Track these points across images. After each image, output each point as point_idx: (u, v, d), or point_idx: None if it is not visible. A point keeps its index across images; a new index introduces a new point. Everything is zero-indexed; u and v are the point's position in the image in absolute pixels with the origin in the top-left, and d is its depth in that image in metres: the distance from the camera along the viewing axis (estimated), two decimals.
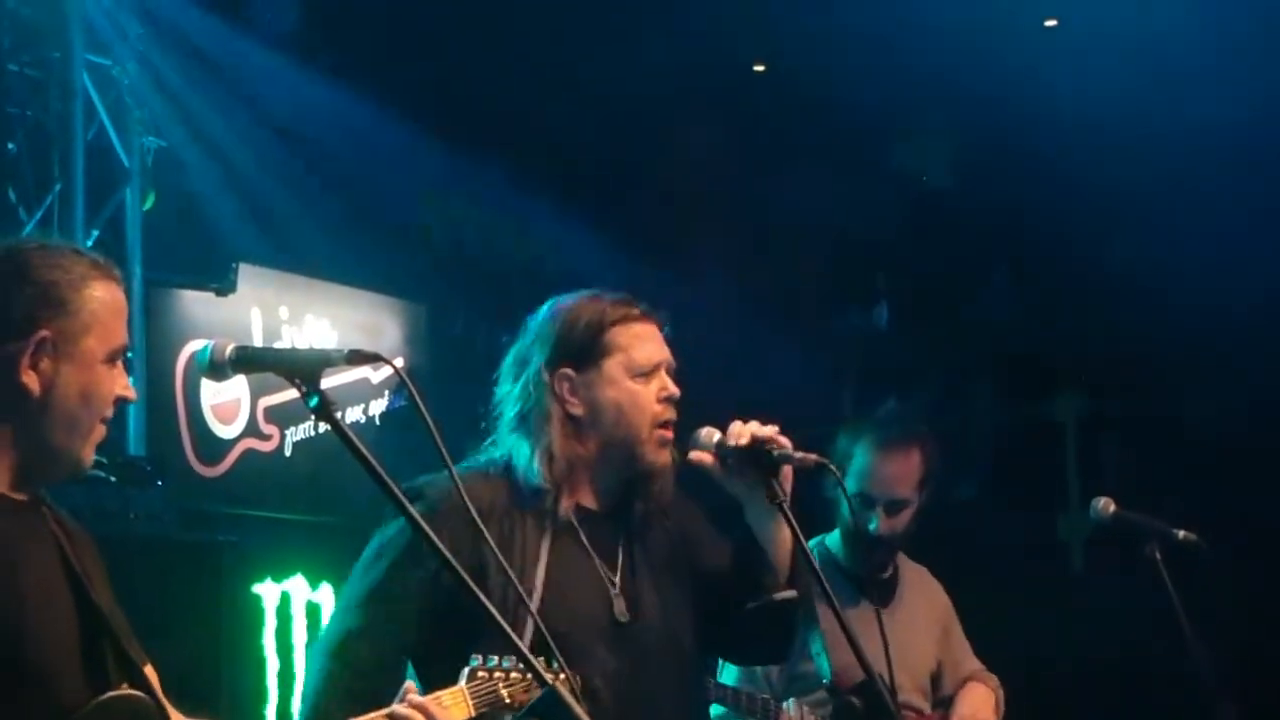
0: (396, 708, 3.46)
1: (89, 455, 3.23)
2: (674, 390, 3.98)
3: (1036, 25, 8.82)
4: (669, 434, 3.97)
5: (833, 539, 5.47)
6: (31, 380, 3.12)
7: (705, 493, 4.06)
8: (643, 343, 3.98)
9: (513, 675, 3.62)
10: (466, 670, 3.62)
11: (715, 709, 5.12)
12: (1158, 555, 4.79)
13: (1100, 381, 9.50)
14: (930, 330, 9.42)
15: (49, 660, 3.06)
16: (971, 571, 8.71)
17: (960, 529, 9.06)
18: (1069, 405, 9.70)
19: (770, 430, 3.87)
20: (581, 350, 3.96)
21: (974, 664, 5.67)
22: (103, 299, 3.21)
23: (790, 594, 4.00)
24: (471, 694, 3.59)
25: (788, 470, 3.89)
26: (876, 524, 5.34)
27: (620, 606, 3.95)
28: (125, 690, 3.16)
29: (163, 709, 3.21)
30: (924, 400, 9.13)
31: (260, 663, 7.42)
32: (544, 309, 4.05)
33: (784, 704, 5.20)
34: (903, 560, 5.58)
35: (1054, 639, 8.52)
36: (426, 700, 3.49)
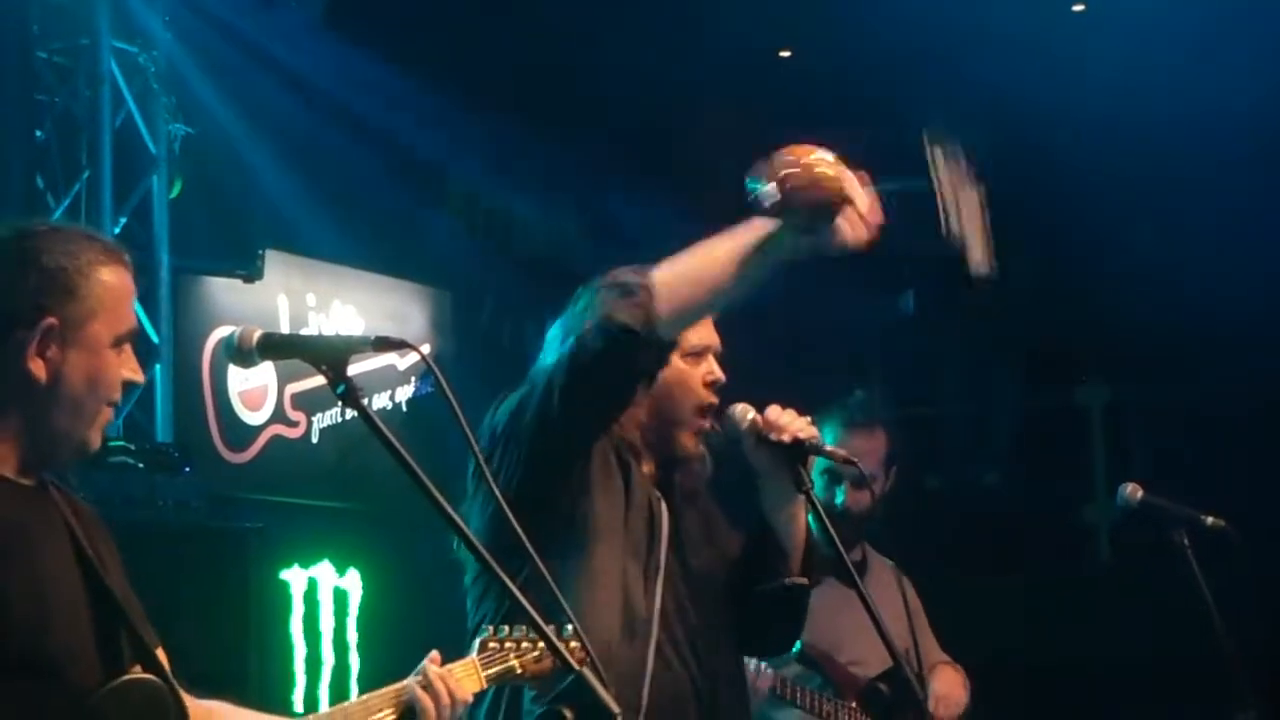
0: (411, 683, 3.48)
1: (95, 439, 3.23)
2: (719, 375, 4.01)
3: (1064, 10, 8.79)
4: (706, 423, 3.98)
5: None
6: (38, 367, 3.11)
7: (724, 466, 4.07)
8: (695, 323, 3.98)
9: (524, 645, 3.62)
10: (477, 641, 3.63)
11: None
12: (1185, 542, 4.78)
13: (1125, 368, 9.47)
14: (956, 317, 9.39)
15: (62, 643, 3.07)
16: (997, 559, 8.73)
17: (986, 516, 9.05)
18: (1094, 392, 9.67)
19: (810, 429, 3.89)
20: None
21: (939, 654, 5.77)
22: (110, 283, 3.19)
23: (801, 580, 4.01)
24: (483, 665, 3.60)
25: (813, 458, 3.92)
26: (844, 498, 5.45)
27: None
28: (139, 673, 3.16)
29: (175, 691, 3.21)
30: (950, 386, 9.13)
31: (288, 649, 7.44)
32: (594, 280, 4.02)
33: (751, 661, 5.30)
34: (870, 550, 5.68)
35: (1080, 626, 8.50)
36: (441, 673, 3.50)
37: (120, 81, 7.54)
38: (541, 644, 3.54)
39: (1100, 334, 9.30)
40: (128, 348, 3.23)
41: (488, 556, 3.04)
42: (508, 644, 3.62)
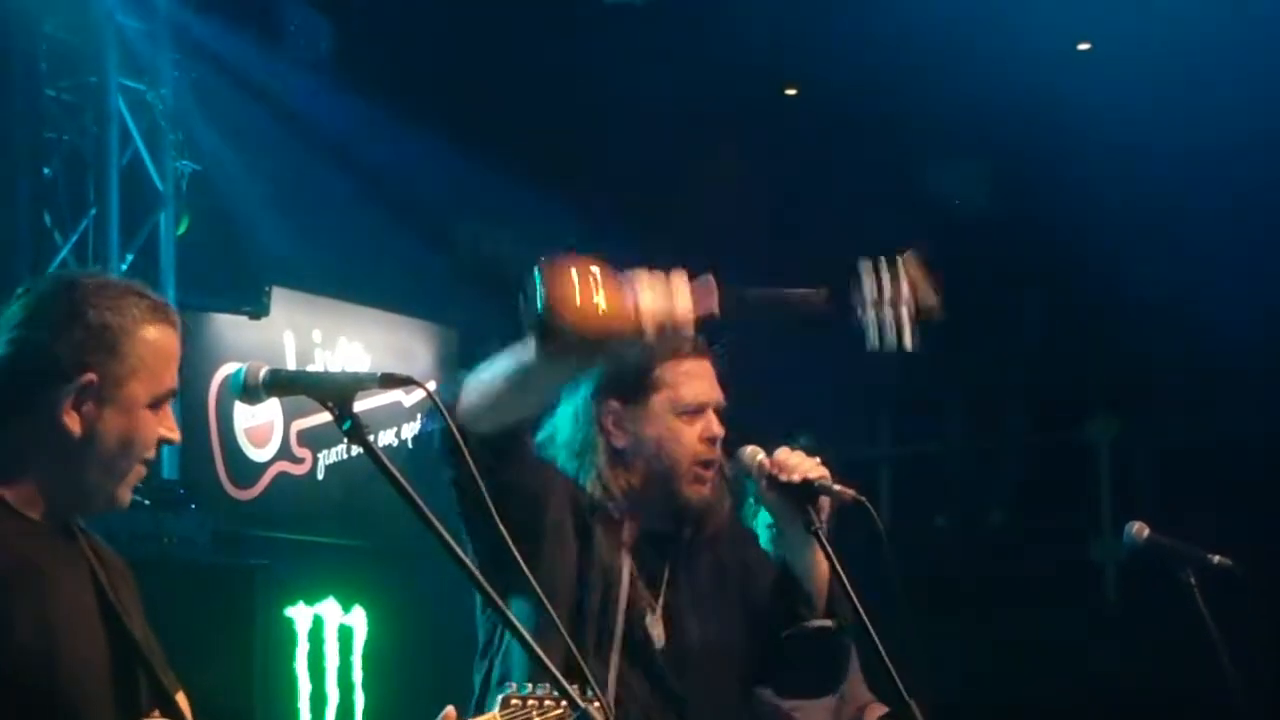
0: None
1: (126, 496, 3.21)
2: (717, 431, 3.97)
3: (1069, 49, 8.81)
4: (708, 473, 3.96)
5: None
6: (73, 422, 3.10)
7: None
8: (691, 380, 3.99)
9: (546, 703, 3.60)
10: (500, 698, 3.61)
11: None
12: (1193, 580, 4.76)
13: (1133, 406, 9.46)
14: (964, 354, 9.39)
15: (80, 688, 3.05)
16: (1005, 597, 8.70)
17: (993, 554, 9.03)
18: (1102, 430, 9.66)
19: (819, 470, 3.88)
20: (629, 384, 3.97)
21: (869, 695, 5.74)
22: (154, 343, 3.17)
23: (826, 623, 3.98)
24: None
25: (825, 499, 3.89)
26: None
27: (657, 632, 3.95)
28: (156, 718, 3.15)
29: None
30: (957, 424, 9.13)
31: (292, 686, 7.42)
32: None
33: None
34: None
35: (1088, 664, 8.48)
36: None
37: (128, 119, 7.56)
38: (565, 703, 3.51)
39: (1107, 371, 9.30)
40: (167, 406, 3.22)
41: (494, 595, 3.04)
42: (530, 701, 3.61)
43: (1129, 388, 9.31)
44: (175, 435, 3.23)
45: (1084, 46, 8.85)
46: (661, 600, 3.98)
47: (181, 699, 3.23)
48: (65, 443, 3.10)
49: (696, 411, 3.97)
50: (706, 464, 3.96)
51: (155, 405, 3.17)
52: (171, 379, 3.21)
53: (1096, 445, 9.64)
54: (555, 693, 3.50)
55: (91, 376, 3.09)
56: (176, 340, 3.23)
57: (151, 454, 3.20)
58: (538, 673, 3.35)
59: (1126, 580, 9.18)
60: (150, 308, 3.20)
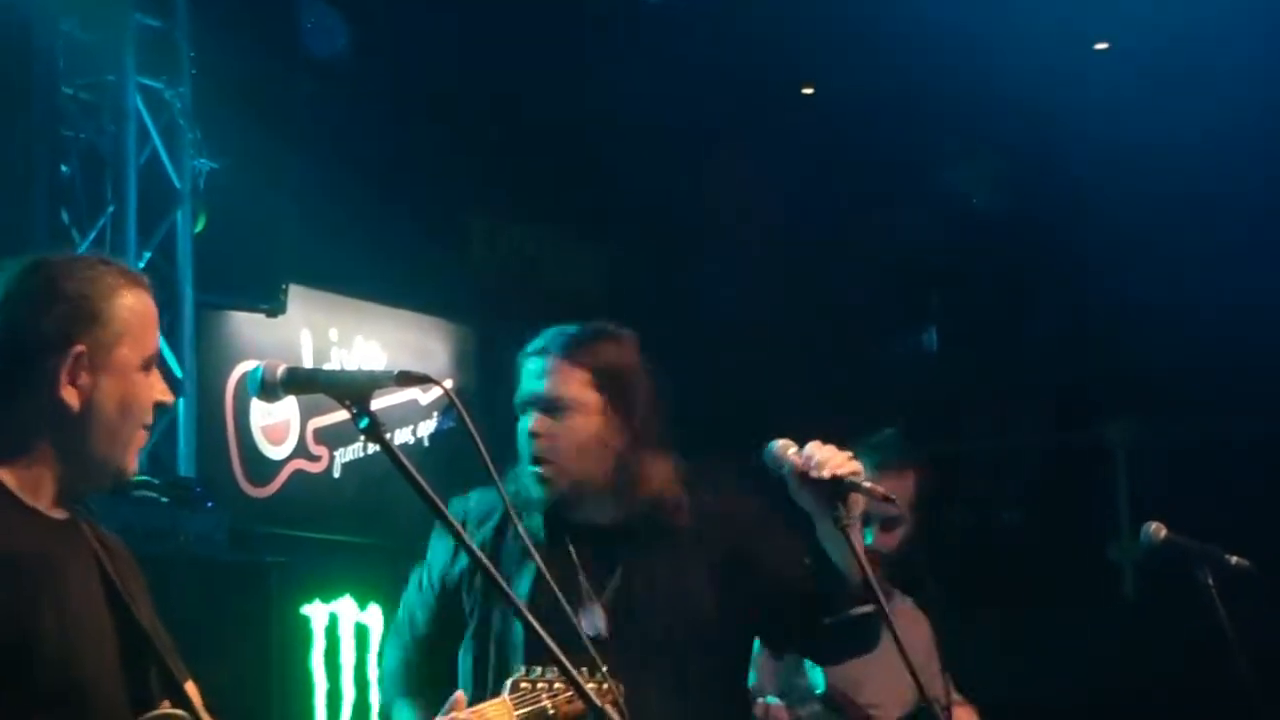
0: None
1: (132, 463, 3.25)
2: (538, 427, 4.10)
3: (1086, 48, 8.80)
4: (539, 469, 4.08)
5: None
6: (71, 395, 3.13)
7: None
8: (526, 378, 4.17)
9: (556, 685, 3.62)
10: (509, 681, 3.64)
11: None
12: (1210, 580, 4.76)
13: (1150, 406, 9.44)
14: (980, 354, 9.38)
15: (91, 678, 3.08)
16: (1022, 597, 8.69)
17: (1010, 555, 9.02)
18: (1119, 430, 9.64)
19: (851, 465, 3.88)
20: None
21: (955, 695, 5.75)
22: (133, 307, 3.22)
23: (867, 609, 4.00)
24: (515, 704, 3.60)
25: (856, 495, 3.90)
26: (872, 538, 5.44)
27: (595, 624, 3.98)
28: (166, 709, 3.17)
29: None
30: (973, 423, 9.11)
31: (308, 684, 7.42)
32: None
33: (762, 698, 5.29)
34: (893, 589, 5.65)
35: (1105, 665, 8.46)
36: (471, 712, 3.51)
37: (146, 117, 7.57)
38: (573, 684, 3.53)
39: (1125, 372, 9.29)
40: (155, 370, 3.25)
41: (510, 591, 3.05)
42: (539, 684, 3.64)
43: (1147, 388, 9.29)
44: (169, 397, 3.27)
45: (1101, 46, 8.84)
46: (608, 592, 4.06)
47: (191, 688, 3.24)
48: (66, 417, 3.13)
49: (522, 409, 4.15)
50: (528, 454, 4.09)
51: (145, 367, 3.21)
52: (155, 341, 3.26)
53: (1114, 446, 9.63)
54: (563, 676, 3.53)
55: (80, 347, 3.13)
56: (152, 303, 3.28)
57: (150, 419, 3.24)
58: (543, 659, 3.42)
59: (1144, 580, 9.17)
60: (122, 274, 3.25)
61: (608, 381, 4.13)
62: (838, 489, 3.84)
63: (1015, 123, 8.70)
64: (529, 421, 4.13)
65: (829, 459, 3.87)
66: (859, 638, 4.12)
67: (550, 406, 4.12)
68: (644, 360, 4.24)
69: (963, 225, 9.31)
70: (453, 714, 3.53)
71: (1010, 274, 9.26)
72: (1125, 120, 8.48)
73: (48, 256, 3.25)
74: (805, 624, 4.09)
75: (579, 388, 4.13)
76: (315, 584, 7.52)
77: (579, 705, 3.56)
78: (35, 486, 3.14)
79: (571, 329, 4.21)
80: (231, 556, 6.90)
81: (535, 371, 4.16)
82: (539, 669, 3.66)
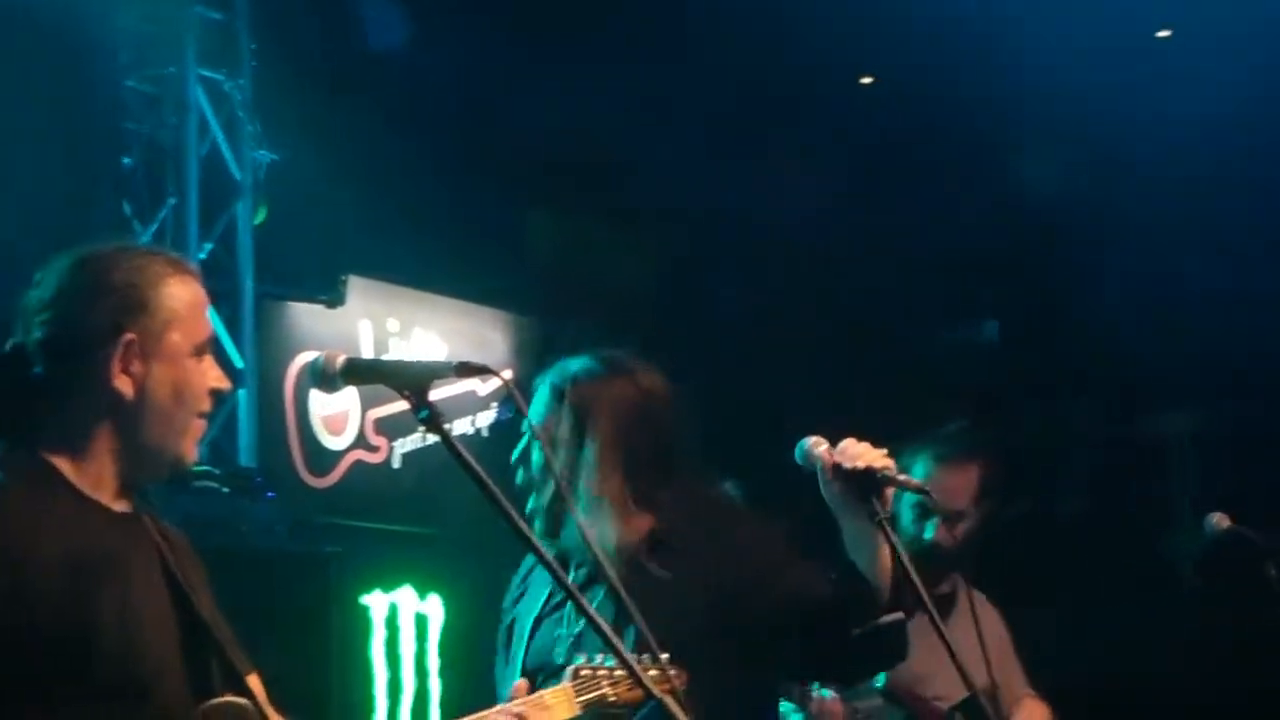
0: (488, 714, 3.51)
1: (191, 451, 3.27)
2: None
3: (1149, 36, 8.73)
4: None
5: None
6: (124, 384, 3.16)
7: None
8: None
9: (617, 674, 3.64)
10: (570, 669, 3.66)
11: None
12: (1274, 572, 4.73)
13: (1212, 395, 9.38)
14: (1039, 345, 9.33)
15: (151, 671, 3.10)
16: (1078, 591, 8.65)
17: (1067, 547, 8.98)
18: (1180, 420, 9.58)
19: (884, 460, 3.86)
20: None
21: (1024, 687, 5.71)
22: (180, 295, 3.24)
23: (897, 616, 3.98)
24: (576, 692, 3.62)
25: (889, 490, 3.88)
26: (933, 533, 5.39)
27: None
28: (228, 697, 3.18)
29: (265, 716, 3.23)
30: (1030, 416, 9.07)
31: (368, 673, 7.45)
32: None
33: (816, 692, 5.28)
34: (962, 582, 5.61)
35: (1164, 656, 8.42)
36: (528, 703, 3.53)
37: (206, 109, 7.61)
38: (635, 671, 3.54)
39: (1184, 362, 9.23)
40: (209, 357, 3.27)
41: (568, 583, 3.05)
42: (600, 672, 3.66)
43: (1209, 376, 9.23)
44: (225, 383, 3.29)
45: (1164, 33, 8.77)
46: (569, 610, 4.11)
47: (254, 680, 3.26)
48: (121, 407, 3.15)
49: None
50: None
51: (198, 354, 3.22)
52: (206, 327, 3.27)
53: (1173, 436, 9.57)
54: (631, 659, 3.53)
55: (130, 335, 3.15)
56: (201, 290, 3.30)
57: (206, 406, 3.25)
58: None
59: (1204, 572, 9.10)
60: (169, 262, 3.28)
61: (582, 420, 4.19)
62: (871, 483, 3.83)
63: (1075, 111, 8.64)
64: (518, 448, 4.24)
65: (863, 453, 3.86)
66: (885, 649, 4.07)
67: (533, 437, 4.19)
68: (641, 396, 4.24)
69: (1023, 216, 9.26)
70: (515, 701, 3.56)
71: (1070, 264, 9.21)
72: (1187, 108, 8.42)
73: (94, 249, 3.26)
74: (823, 647, 4.04)
75: (554, 426, 4.20)
76: (375, 574, 7.55)
77: (639, 693, 3.53)
78: (96, 479, 3.16)
79: (569, 363, 4.28)
80: (292, 547, 6.93)
81: (534, 400, 4.25)
82: (600, 657, 3.68)
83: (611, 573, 3.38)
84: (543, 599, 4.20)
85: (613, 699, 3.69)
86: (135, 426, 3.18)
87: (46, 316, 3.17)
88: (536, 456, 4.19)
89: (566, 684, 3.66)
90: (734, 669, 4.07)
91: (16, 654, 2.94)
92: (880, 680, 5.30)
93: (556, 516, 4.12)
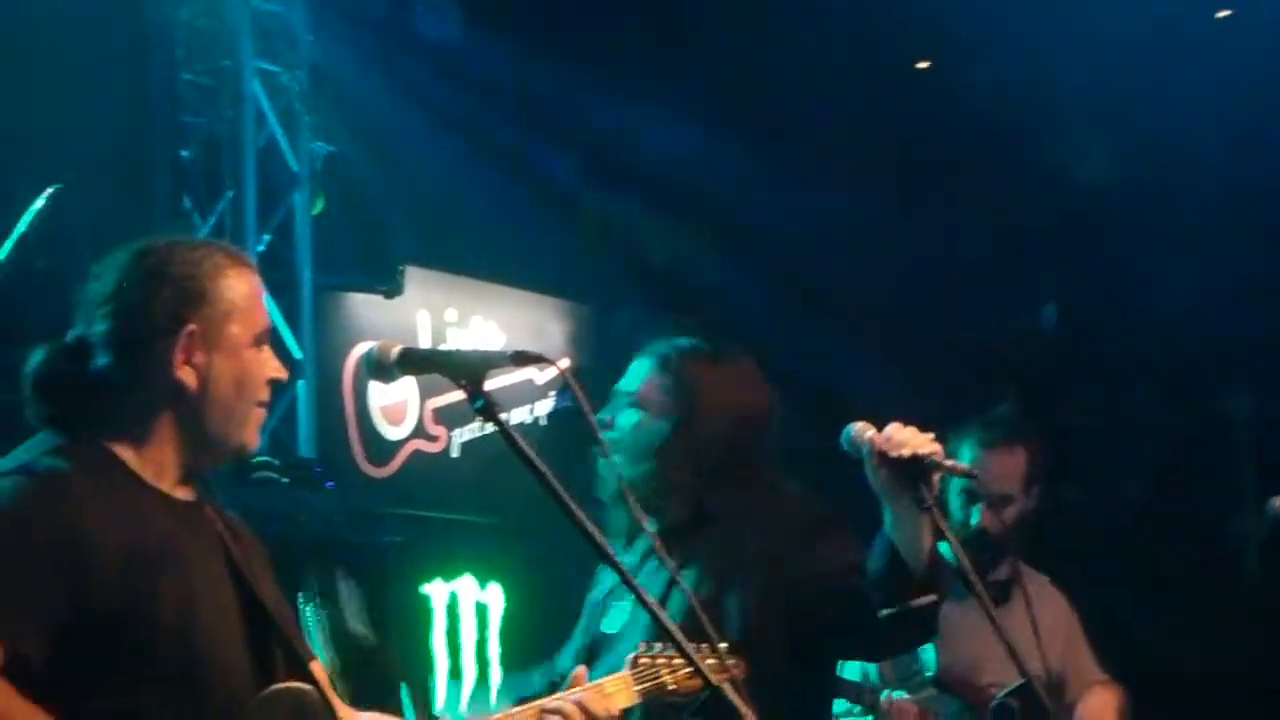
0: (545, 702, 3.53)
1: (253, 438, 3.31)
2: (610, 419, 4.30)
3: (1208, 17, 8.66)
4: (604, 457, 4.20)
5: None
6: (187, 374, 3.19)
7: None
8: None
9: (675, 662, 3.67)
10: (630, 657, 3.68)
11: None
12: None
13: (1272, 378, 9.30)
14: (1099, 328, 9.28)
15: (216, 656, 3.12)
16: (1140, 575, 8.61)
17: (1129, 531, 8.93)
18: (1242, 403, 9.51)
19: (931, 445, 3.86)
20: None
21: (1098, 674, 5.64)
22: (239, 286, 3.27)
23: (930, 599, 3.98)
24: (635, 680, 3.64)
25: (936, 475, 3.88)
26: (979, 518, 5.34)
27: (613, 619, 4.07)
28: (290, 684, 3.20)
29: (329, 703, 3.25)
30: (1091, 401, 9.02)
31: (429, 662, 7.49)
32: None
33: (886, 693, 5.28)
34: (1022, 567, 5.58)
35: (1227, 644, 8.36)
36: (587, 690, 3.55)
37: (263, 102, 7.65)
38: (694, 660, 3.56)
39: (1247, 343, 9.15)
40: (267, 347, 3.29)
41: (625, 571, 3.05)
42: (659, 660, 3.69)
43: (1270, 359, 9.15)
44: (283, 373, 3.33)
45: (1224, 14, 8.70)
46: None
47: (316, 667, 3.28)
48: (184, 397, 3.18)
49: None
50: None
51: (257, 344, 3.25)
52: (264, 318, 3.31)
53: (1236, 419, 9.50)
54: (689, 648, 3.56)
55: (192, 327, 3.18)
56: (258, 281, 3.33)
57: (265, 395, 3.29)
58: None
59: (1268, 555, 9.04)
60: (226, 254, 3.31)
61: (680, 394, 4.28)
62: (918, 469, 3.83)
63: (1134, 94, 8.59)
64: (606, 409, 4.30)
65: (908, 439, 3.85)
66: (915, 630, 4.09)
67: (627, 401, 4.31)
68: (742, 386, 4.32)
69: (1079, 199, 9.21)
70: (574, 688, 3.57)
71: (1130, 247, 9.15)
72: (1246, 90, 8.35)
73: (152, 242, 3.29)
74: (855, 623, 4.06)
75: (652, 392, 4.31)
76: (435, 563, 7.58)
77: (698, 682, 3.61)
78: (158, 467, 3.19)
79: (683, 340, 4.37)
80: (351, 536, 6.96)
81: (632, 366, 4.37)
82: (659, 646, 3.70)
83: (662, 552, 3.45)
84: (613, 581, 4.24)
85: (672, 687, 3.71)
86: (198, 416, 3.21)
87: (109, 309, 3.20)
88: (624, 418, 4.27)
89: (626, 672, 3.69)
90: (777, 649, 4.10)
91: (82, 642, 2.96)
92: (931, 669, 5.28)
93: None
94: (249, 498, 6.39)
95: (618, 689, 3.65)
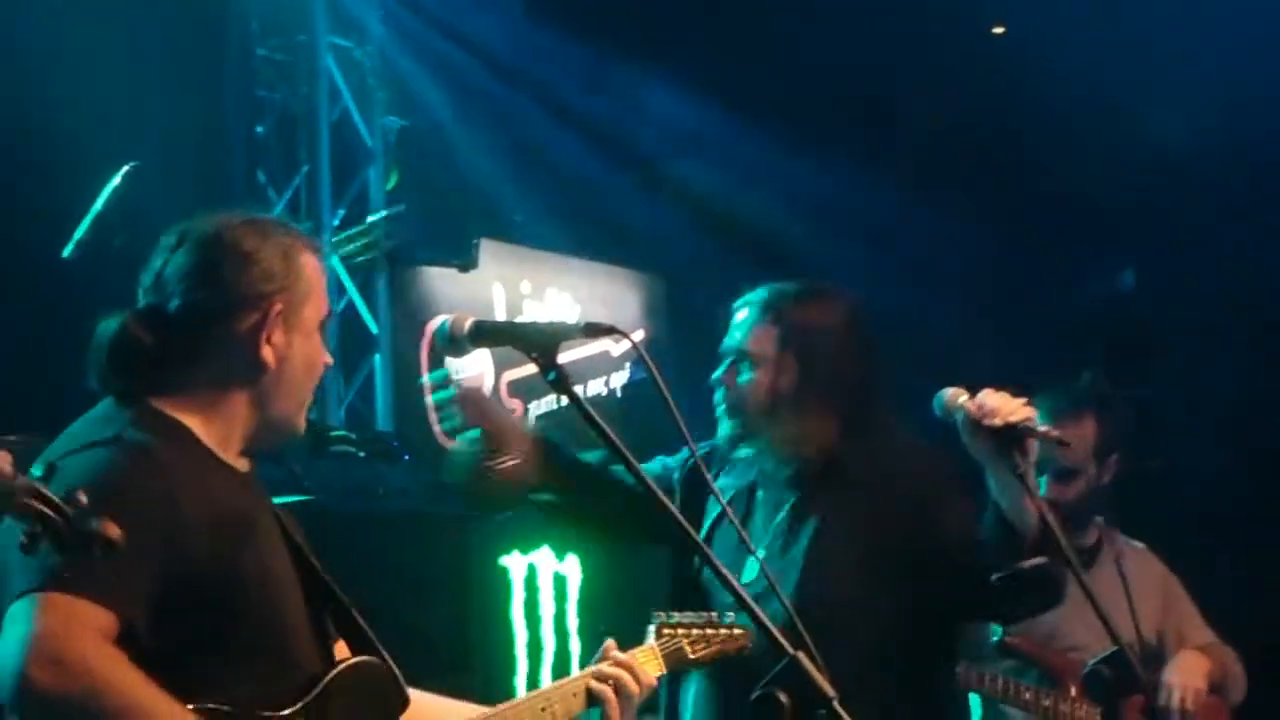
0: (603, 667, 3.56)
1: (304, 422, 3.32)
2: (724, 378, 4.22)
3: None
4: (723, 416, 4.20)
5: None
6: (269, 353, 3.19)
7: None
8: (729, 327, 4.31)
9: (694, 631, 3.76)
10: (652, 627, 3.73)
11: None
12: None
13: None
14: (1177, 294, 9.19)
15: (290, 628, 3.14)
16: (1219, 541, 8.53)
17: (1209, 498, 8.85)
18: None
19: (1024, 411, 3.82)
20: None
21: (1202, 636, 5.58)
22: (316, 268, 3.28)
23: (1039, 561, 3.92)
24: (661, 650, 3.70)
25: (1030, 441, 3.84)
26: (1045, 490, 5.32)
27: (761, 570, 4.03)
28: (365, 657, 3.22)
29: (397, 677, 3.26)
30: (1172, 363, 8.94)
31: (509, 634, 7.50)
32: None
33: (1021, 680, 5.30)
34: (1113, 534, 5.52)
35: None
36: (629, 657, 3.58)
37: (337, 77, 7.67)
38: (709, 629, 3.84)
39: None
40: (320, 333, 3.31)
41: (701, 543, 3.04)
42: (680, 630, 3.77)
43: None
44: (330, 360, 3.35)
45: None
46: (769, 538, 4.15)
47: (357, 615, 3.29)
48: (261, 375, 3.20)
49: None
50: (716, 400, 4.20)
51: (322, 329, 3.26)
52: (328, 303, 3.31)
53: None
54: (700, 619, 3.83)
55: (279, 306, 3.17)
56: (323, 266, 3.33)
57: (319, 380, 3.30)
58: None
59: None
60: (299, 235, 3.33)
61: (795, 340, 4.17)
62: (1011, 436, 3.79)
63: (1211, 57, 8.48)
64: (719, 370, 4.22)
65: (1001, 406, 3.82)
66: (1031, 593, 4.04)
67: (737, 358, 4.21)
68: (853, 323, 4.25)
69: (1158, 165, 9.12)
70: (612, 655, 3.63)
71: (1207, 211, 9.05)
72: None
73: (232, 218, 3.28)
74: (977, 587, 4.00)
75: (765, 343, 4.19)
76: (513, 535, 7.58)
77: (714, 651, 3.83)
78: (224, 440, 3.20)
79: (779, 285, 4.27)
80: (430, 509, 6.97)
81: (734, 323, 4.27)
82: (676, 615, 3.83)
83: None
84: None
85: (691, 656, 3.82)
86: (270, 395, 3.22)
87: (190, 283, 3.18)
88: (745, 376, 4.20)
89: (652, 642, 3.75)
90: (900, 608, 4.08)
91: (178, 614, 2.98)
92: (997, 635, 5.24)
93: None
94: (327, 472, 6.42)
95: (648, 659, 3.73)
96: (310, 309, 3.25)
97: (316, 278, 3.27)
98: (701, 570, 4.00)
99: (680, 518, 3.06)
